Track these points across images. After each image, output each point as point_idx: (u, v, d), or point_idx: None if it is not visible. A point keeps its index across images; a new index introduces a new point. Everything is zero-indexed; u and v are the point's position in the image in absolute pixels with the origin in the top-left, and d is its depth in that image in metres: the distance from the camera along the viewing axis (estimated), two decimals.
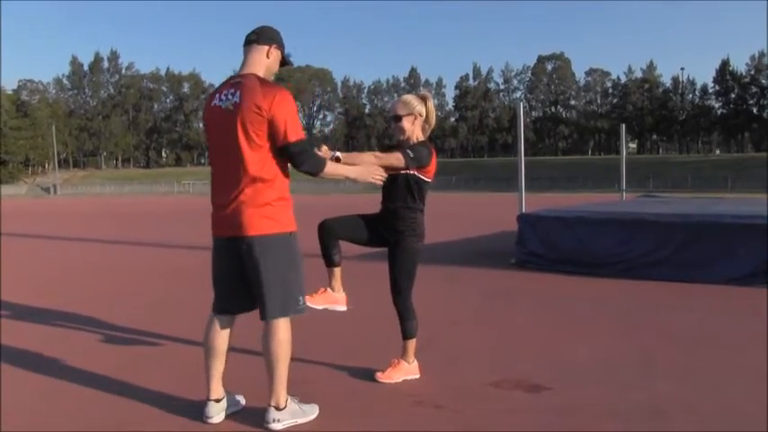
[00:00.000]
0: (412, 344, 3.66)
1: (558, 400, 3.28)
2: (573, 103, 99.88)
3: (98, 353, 4.39)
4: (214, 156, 3.05)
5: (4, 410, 3.28)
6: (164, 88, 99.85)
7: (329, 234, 3.58)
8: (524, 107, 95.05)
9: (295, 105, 2.99)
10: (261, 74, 3.02)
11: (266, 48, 3.08)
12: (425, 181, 3.59)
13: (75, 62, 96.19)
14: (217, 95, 3.02)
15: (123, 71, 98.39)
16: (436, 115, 3.78)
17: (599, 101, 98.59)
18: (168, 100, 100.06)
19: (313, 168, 2.99)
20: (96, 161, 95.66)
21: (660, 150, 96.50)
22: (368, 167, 3.27)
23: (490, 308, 5.82)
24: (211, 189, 3.07)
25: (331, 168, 3.07)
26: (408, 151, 3.46)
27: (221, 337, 3.09)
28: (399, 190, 3.56)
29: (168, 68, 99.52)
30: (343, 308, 3.67)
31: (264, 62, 3.07)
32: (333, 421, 3.06)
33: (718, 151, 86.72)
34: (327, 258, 3.61)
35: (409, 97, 3.68)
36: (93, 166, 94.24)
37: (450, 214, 20.38)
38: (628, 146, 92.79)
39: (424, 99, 3.67)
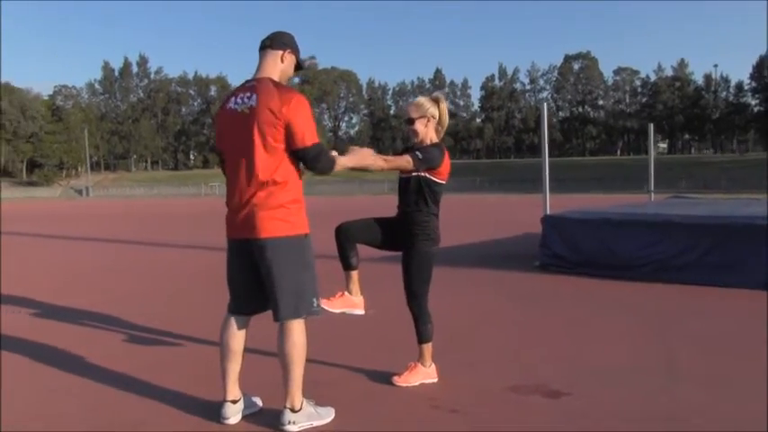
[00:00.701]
0: (428, 348, 3.64)
1: (577, 406, 3.24)
2: (601, 102, 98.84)
3: (120, 353, 4.45)
4: (229, 159, 3.06)
5: (28, 408, 3.35)
6: (191, 92, 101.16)
7: (346, 237, 3.59)
8: (551, 107, 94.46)
9: (311, 109, 3.02)
10: (275, 78, 3.05)
11: (280, 52, 3.10)
12: (438, 183, 3.56)
13: (106, 67, 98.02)
14: (232, 99, 3.04)
15: (152, 75, 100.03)
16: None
17: (628, 100, 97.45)
18: (196, 103, 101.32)
19: (326, 168, 3.04)
20: (126, 164, 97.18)
21: (692, 150, 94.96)
22: (360, 152, 3.24)
23: (512, 311, 5.77)
24: (226, 191, 3.09)
25: (337, 165, 3.10)
26: (417, 153, 3.45)
27: (237, 338, 3.11)
28: (411, 193, 3.55)
29: (196, 72, 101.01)
30: (360, 311, 3.67)
31: (279, 67, 3.10)
32: (348, 424, 3.06)
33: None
34: (345, 261, 3.61)
35: (422, 100, 3.67)
36: (123, 168, 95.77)
37: (474, 216, 20.31)
38: (658, 146, 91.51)
39: (436, 101, 3.66)
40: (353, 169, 3.29)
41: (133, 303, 6.34)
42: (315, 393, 3.21)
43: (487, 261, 8.90)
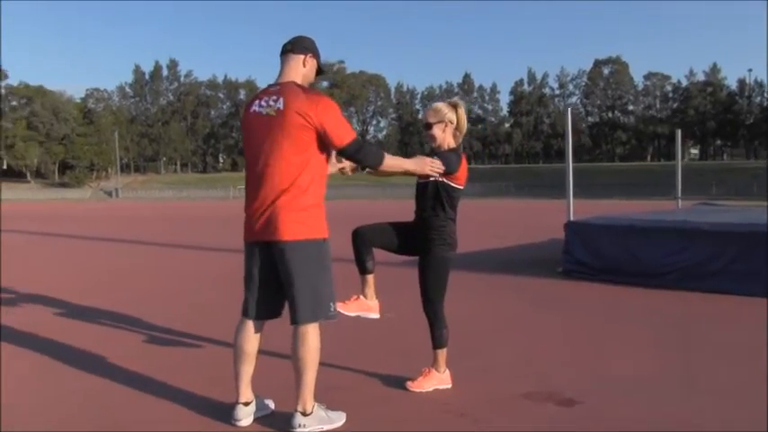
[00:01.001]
0: (442, 353, 3.62)
1: (589, 415, 3.19)
2: (631, 108, 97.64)
3: (138, 353, 4.50)
4: (251, 162, 3.08)
5: (45, 408, 3.41)
6: (221, 95, 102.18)
7: (363, 242, 3.59)
8: (580, 112, 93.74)
9: (339, 108, 3.05)
10: (298, 82, 3.07)
11: (302, 57, 3.13)
12: (455, 188, 3.55)
13: (137, 70, 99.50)
14: (256, 102, 3.07)
15: (182, 79, 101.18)
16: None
17: (658, 105, 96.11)
18: (225, 106, 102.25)
19: (374, 162, 3.12)
20: (156, 166, 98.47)
21: (725, 156, 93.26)
22: (422, 158, 3.38)
23: (531, 317, 5.71)
24: (246, 194, 3.10)
25: (390, 161, 3.17)
26: (435, 158, 3.44)
27: (251, 341, 3.12)
28: (429, 198, 3.54)
29: (225, 76, 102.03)
30: (375, 315, 3.67)
31: (301, 71, 3.13)
32: (358, 428, 3.05)
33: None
34: (361, 265, 3.61)
35: (440, 105, 3.66)
36: (152, 170, 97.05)
37: (501, 221, 20.20)
38: (689, 152, 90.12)
39: (454, 106, 3.65)
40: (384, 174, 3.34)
41: (154, 304, 6.41)
42: (327, 397, 3.21)
43: (510, 266, 8.84)
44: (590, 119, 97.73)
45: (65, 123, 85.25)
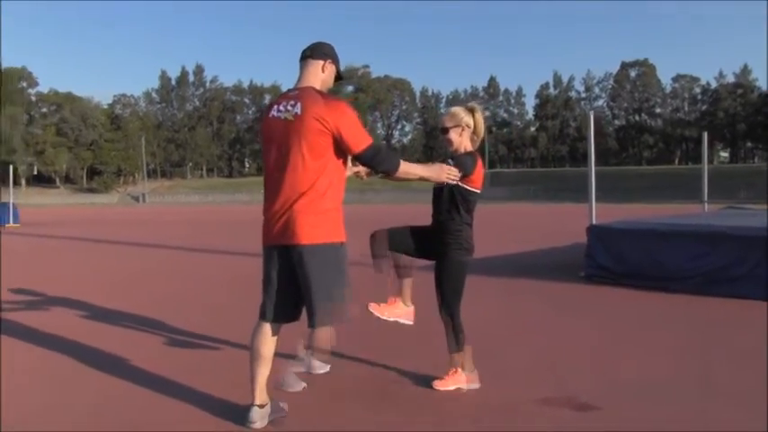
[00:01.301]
0: (459, 356, 3.62)
1: (605, 421, 3.16)
2: (658, 110, 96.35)
3: (159, 355, 4.56)
4: (270, 166, 3.11)
5: (66, 406, 3.47)
6: (246, 100, 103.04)
7: (382, 244, 3.63)
8: (606, 115, 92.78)
9: (355, 113, 3.07)
10: (317, 87, 3.10)
11: (321, 63, 3.16)
12: (471, 192, 3.55)
13: (163, 76, 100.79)
14: (274, 107, 3.10)
15: (208, 84, 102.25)
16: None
17: (687, 108, 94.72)
18: (251, 111, 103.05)
19: (389, 168, 3.12)
20: (182, 171, 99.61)
21: (756, 159, 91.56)
22: (440, 166, 3.36)
23: (551, 322, 5.67)
24: (265, 198, 3.14)
25: (405, 167, 3.17)
26: (449, 161, 3.45)
27: (267, 344, 3.15)
28: (444, 202, 3.56)
29: (251, 81, 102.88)
30: (409, 322, 3.74)
31: (320, 76, 3.16)
32: (367, 430, 3.06)
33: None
34: (396, 270, 3.71)
35: (457, 109, 3.69)
36: (179, 175, 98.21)
37: (525, 225, 20.07)
38: (719, 155, 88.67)
39: (471, 111, 3.67)
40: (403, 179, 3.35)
41: (174, 307, 6.47)
42: (336, 399, 3.21)
43: (532, 271, 8.79)
44: (616, 122, 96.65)
45: (93, 129, 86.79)
